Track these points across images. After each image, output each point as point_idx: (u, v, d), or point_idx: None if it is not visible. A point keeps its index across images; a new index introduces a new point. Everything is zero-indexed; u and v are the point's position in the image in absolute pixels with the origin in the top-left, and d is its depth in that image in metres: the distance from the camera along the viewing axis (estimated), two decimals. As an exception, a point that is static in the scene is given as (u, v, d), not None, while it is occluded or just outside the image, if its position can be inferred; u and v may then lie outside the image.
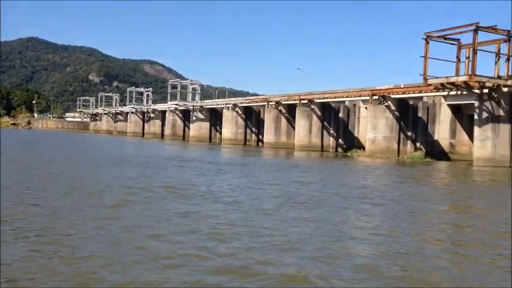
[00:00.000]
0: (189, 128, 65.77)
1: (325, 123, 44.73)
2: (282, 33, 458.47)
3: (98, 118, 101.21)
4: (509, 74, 27.47)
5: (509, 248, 6.58)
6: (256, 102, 54.22)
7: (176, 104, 67.33)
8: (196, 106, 63.58)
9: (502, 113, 27.94)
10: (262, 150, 41.20)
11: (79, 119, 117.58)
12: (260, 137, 54.43)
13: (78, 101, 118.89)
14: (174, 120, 69.26)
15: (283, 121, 48.07)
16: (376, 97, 35.95)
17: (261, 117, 54.24)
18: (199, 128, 63.24)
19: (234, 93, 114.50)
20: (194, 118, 63.52)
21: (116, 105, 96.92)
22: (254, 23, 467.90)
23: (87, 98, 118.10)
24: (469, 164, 29.17)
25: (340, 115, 43.97)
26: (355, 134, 42.83)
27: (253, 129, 56.83)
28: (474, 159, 28.51)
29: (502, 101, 27.90)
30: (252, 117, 56.89)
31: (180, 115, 68.94)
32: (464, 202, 12.22)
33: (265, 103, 49.81)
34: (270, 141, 47.85)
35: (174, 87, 70.60)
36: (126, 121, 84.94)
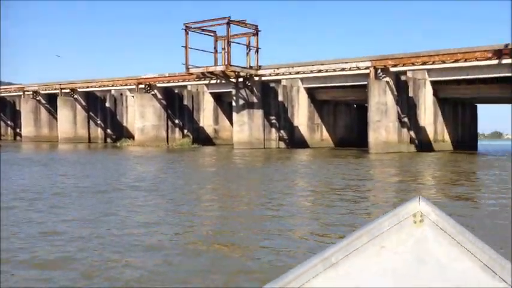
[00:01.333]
0: None
1: (91, 113, 42.70)
2: (44, 19, 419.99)
3: None
4: (259, 64, 30.67)
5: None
6: (10, 92, 48.43)
7: None
8: None
9: (255, 100, 31.04)
10: (20, 145, 37.05)
11: None
12: (18, 130, 48.90)
13: None
14: None
15: (44, 112, 44.22)
16: (143, 86, 35.98)
17: (18, 108, 48.72)
18: None
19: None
20: None
21: None
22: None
23: None
24: (230, 147, 31.62)
25: (107, 104, 42.58)
26: (124, 124, 42.14)
27: (9, 122, 50.73)
28: (234, 143, 31.06)
29: (254, 89, 30.98)
30: (6, 109, 50.66)
31: None
32: (225, 182, 13.08)
33: (21, 93, 44.88)
34: (30, 134, 43.49)
35: None
36: None
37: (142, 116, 35.53)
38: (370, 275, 1.27)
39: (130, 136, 38.53)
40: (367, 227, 1.33)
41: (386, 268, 1.27)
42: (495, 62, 23.02)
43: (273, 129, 32.10)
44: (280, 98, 31.79)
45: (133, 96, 38.41)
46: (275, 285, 1.27)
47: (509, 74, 23.70)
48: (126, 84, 38.60)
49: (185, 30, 29.26)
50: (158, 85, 36.08)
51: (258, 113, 31.15)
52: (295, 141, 31.91)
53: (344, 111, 36.52)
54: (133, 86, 36.68)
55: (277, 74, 30.79)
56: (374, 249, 1.30)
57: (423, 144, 26.85)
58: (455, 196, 9.33)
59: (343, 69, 28.13)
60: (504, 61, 22.79)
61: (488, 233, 5.69)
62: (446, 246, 1.25)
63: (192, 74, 30.89)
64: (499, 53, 22.47)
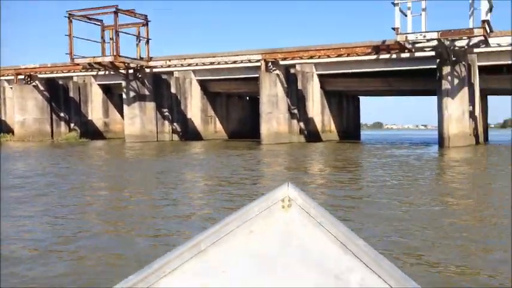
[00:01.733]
0: None
1: (-38, 106, 38.61)
2: None
3: None
4: (150, 56, 29.90)
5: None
6: None
7: None
8: None
9: (147, 92, 30.25)
10: None
11: None
12: None
13: None
14: None
15: None
16: (22, 77, 33.34)
17: None
18: None
19: None
20: None
21: None
22: None
23: None
24: (122, 141, 30.53)
25: (-19, 97, 38.76)
26: (2, 117, 38.70)
27: None
28: (126, 136, 30.05)
29: (146, 80, 30.17)
30: None
31: None
32: (118, 176, 12.59)
33: None
34: None
35: None
36: None
37: (22, 109, 32.95)
38: (239, 259, 1.29)
39: (10, 130, 35.54)
40: (238, 212, 1.35)
41: (254, 252, 1.30)
42: (374, 57, 24.79)
43: (166, 122, 31.57)
44: (173, 90, 31.31)
45: (11, 88, 35.41)
46: (140, 277, 1.23)
47: (386, 69, 25.70)
48: (2, 75, 35.45)
49: (68, 18, 27.52)
50: (40, 76, 33.63)
51: (150, 106, 30.43)
52: (189, 133, 31.68)
53: (237, 103, 37.00)
54: (12, 77, 33.81)
55: (169, 66, 30.26)
56: (243, 233, 1.32)
57: (312, 134, 28.14)
58: (338, 181, 9.93)
59: (235, 62, 28.43)
60: (382, 56, 24.64)
61: (365, 214, 6.14)
62: (310, 228, 1.32)
63: (77, 64, 29.21)
64: (377, 49, 24.22)
